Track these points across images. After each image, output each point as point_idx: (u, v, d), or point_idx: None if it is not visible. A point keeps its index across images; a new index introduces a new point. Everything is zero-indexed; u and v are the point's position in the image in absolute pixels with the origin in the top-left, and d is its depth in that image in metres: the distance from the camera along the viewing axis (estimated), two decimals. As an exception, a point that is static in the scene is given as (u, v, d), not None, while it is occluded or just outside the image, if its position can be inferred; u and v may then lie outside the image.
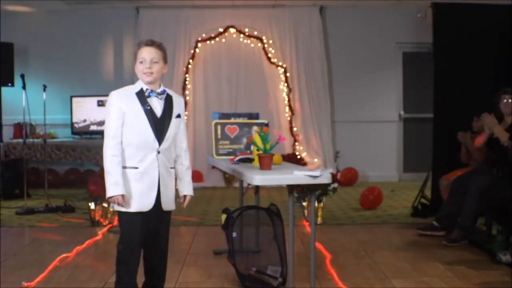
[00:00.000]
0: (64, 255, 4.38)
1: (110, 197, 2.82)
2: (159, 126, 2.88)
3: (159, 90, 2.91)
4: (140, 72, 2.87)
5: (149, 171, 2.87)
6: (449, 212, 4.93)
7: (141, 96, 2.87)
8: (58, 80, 8.47)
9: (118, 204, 2.83)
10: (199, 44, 8.62)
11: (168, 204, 2.96)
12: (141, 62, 2.87)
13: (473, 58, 5.77)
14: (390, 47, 8.83)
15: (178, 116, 2.98)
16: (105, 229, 5.36)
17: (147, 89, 2.89)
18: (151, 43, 2.90)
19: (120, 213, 2.90)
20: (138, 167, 2.85)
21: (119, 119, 2.83)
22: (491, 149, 4.78)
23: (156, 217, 2.94)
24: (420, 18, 7.84)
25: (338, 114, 8.87)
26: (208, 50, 8.70)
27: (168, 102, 2.94)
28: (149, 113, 2.87)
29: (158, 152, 2.88)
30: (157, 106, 2.90)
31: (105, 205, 5.45)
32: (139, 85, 2.91)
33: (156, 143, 2.88)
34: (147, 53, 2.87)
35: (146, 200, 2.88)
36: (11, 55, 7.78)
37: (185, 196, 3.09)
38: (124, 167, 2.85)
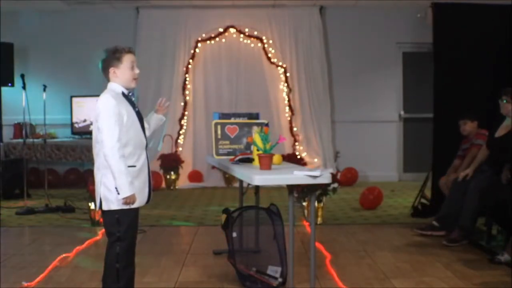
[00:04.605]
0: (64, 255, 4.39)
1: (127, 197, 2.89)
2: (143, 126, 3.10)
3: (131, 92, 3.10)
4: (130, 77, 3.02)
5: (143, 168, 3.03)
6: (449, 212, 4.94)
7: (128, 98, 3.04)
8: (58, 80, 8.47)
9: (131, 203, 2.93)
10: (199, 44, 8.62)
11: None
12: (132, 68, 3.02)
13: (473, 58, 5.77)
14: (390, 47, 8.83)
15: None
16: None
17: (129, 92, 3.05)
18: (133, 50, 3.07)
19: (121, 211, 2.94)
20: (136, 165, 2.98)
21: (119, 121, 2.91)
22: (493, 149, 4.78)
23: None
24: (420, 18, 7.84)
25: (338, 114, 8.86)
26: (208, 50, 8.69)
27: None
28: (139, 114, 3.06)
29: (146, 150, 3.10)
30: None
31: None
32: (118, 88, 3.02)
33: (145, 141, 3.08)
34: (134, 59, 3.04)
35: (143, 195, 3.04)
36: (11, 55, 7.78)
37: None
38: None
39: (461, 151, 5.43)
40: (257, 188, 4.38)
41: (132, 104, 3.03)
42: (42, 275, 3.87)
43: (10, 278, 3.82)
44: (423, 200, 6.02)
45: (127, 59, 2.99)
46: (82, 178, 8.09)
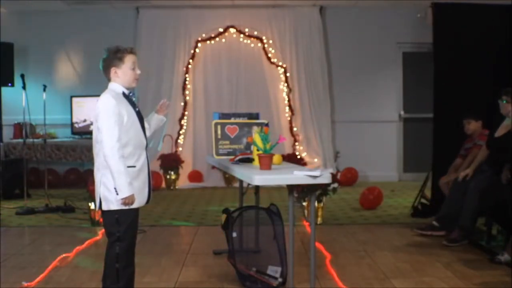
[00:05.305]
0: (64, 255, 4.39)
1: (125, 197, 2.89)
2: (144, 126, 3.09)
3: (131, 92, 3.09)
4: (131, 77, 3.02)
5: (143, 169, 3.03)
6: (449, 212, 4.94)
7: (128, 99, 3.03)
8: (58, 80, 8.48)
9: (129, 203, 2.92)
10: (199, 44, 8.62)
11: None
12: (133, 69, 3.02)
13: (473, 58, 5.77)
14: (390, 47, 8.83)
15: None
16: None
17: (129, 92, 3.05)
18: (135, 50, 3.07)
19: (120, 211, 2.94)
20: (136, 166, 2.98)
21: (119, 122, 2.91)
22: (493, 149, 4.78)
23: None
24: (420, 18, 7.84)
25: (338, 114, 8.86)
26: (208, 50, 8.69)
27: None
28: (139, 114, 3.05)
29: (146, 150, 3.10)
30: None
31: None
32: (119, 88, 3.02)
33: (145, 142, 3.07)
34: (136, 60, 3.04)
35: (143, 195, 3.03)
36: (11, 55, 7.78)
37: None
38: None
39: (464, 150, 5.43)
40: (257, 188, 4.38)
41: (133, 104, 3.03)
42: (42, 275, 3.87)
43: (10, 278, 3.82)
44: (423, 200, 6.02)
45: (129, 59, 2.99)
46: (82, 178, 8.10)
